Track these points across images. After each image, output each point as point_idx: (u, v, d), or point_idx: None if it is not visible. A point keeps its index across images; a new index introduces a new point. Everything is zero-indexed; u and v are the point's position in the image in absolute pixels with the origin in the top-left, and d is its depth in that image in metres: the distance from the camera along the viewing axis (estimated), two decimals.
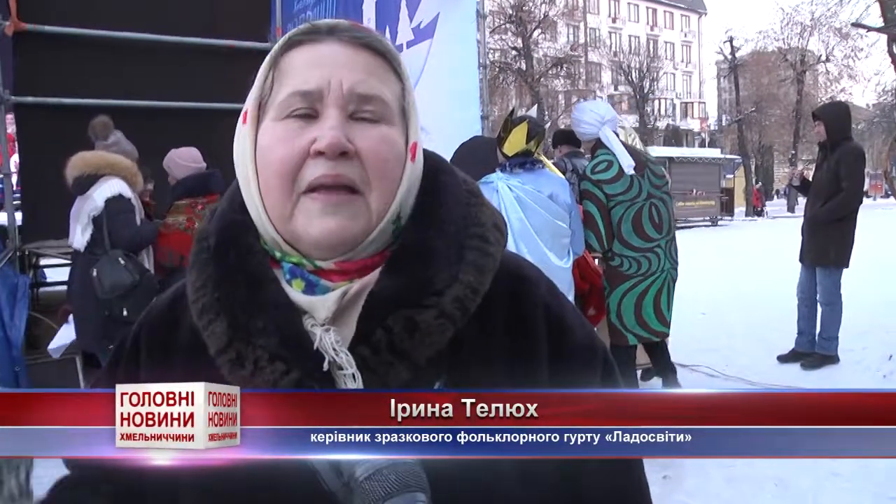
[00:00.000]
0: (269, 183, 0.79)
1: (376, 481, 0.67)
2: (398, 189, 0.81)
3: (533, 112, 3.96)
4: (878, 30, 22.78)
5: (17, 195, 5.81)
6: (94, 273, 3.87)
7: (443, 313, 0.77)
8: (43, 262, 7.73)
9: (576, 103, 4.57)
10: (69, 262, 4.57)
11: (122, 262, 3.90)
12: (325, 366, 0.75)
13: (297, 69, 0.80)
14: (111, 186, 4.04)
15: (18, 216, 5.51)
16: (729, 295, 9.15)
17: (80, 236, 4.04)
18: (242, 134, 0.83)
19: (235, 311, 0.79)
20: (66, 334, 4.36)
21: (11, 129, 6.10)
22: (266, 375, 0.75)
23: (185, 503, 0.82)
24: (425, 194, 0.85)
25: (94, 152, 4.22)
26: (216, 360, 0.78)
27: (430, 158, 0.89)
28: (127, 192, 4.10)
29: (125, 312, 3.82)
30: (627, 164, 4.17)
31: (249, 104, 0.83)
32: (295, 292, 0.80)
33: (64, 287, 4.82)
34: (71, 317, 4.31)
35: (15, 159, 6.22)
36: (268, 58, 0.83)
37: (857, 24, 25.01)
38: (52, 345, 4.42)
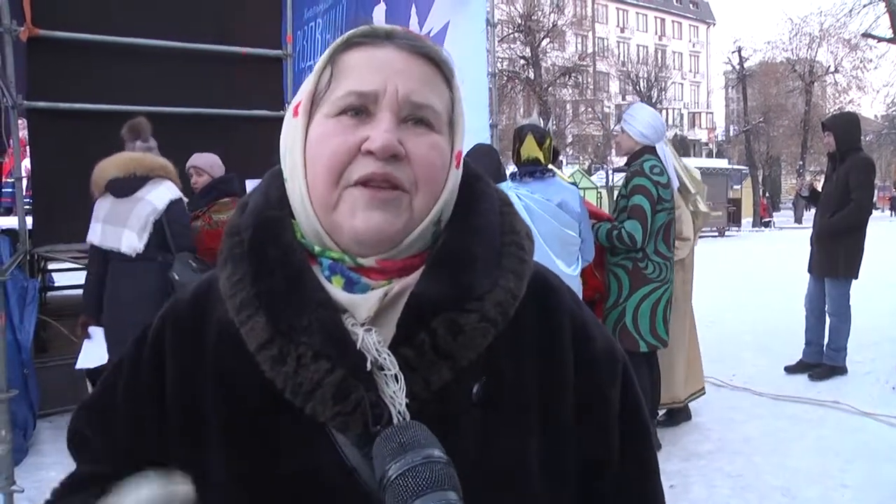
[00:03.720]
0: (317, 174, 0.80)
1: (410, 478, 0.67)
2: (442, 192, 0.82)
3: (534, 118, 3.92)
4: (888, 40, 22.72)
5: (28, 199, 5.84)
6: (175, 276, 3.75)
7: (485, 317, 0.78)
8: (50, 266, 7.78)
9: (629, 105, 4.46)
10: (79, 266, 4.40)
11: (194, 263, 3.82)
12: (368, 365, 0.76)
13: (355, 69, 0.81)
14: (170, 189, 3.97)
15: (29, 220, 5.54)
16: (736, 305, 9.13)
17: (136, 240, 3.84)
18: (293, 125, 0.84)
19: (275, 307, 0.79)
20: (93, 351, 3.99)
21: (24, 133, 6.15)
22: (310, 373, 0.75)
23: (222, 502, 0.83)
24: (463, 201, 0.86)
25: (143, 154, 4.04)
26: (256, 356, 0.78)
27: (465, 166, 0.90)
28: (181, 194, 4.06)
29: None
30: (676, 182, 4.38)
31: (302, 97, 0.84)
32: (334, 289, 0.81)
33: (71, 291, 4.67)
34: (91, 330, 4.03)
35: (26, 164, 6.26)
36: (325, 54, 0.85)
37: (867, 35, 24.95)
38: (80, 364, 4.08)
